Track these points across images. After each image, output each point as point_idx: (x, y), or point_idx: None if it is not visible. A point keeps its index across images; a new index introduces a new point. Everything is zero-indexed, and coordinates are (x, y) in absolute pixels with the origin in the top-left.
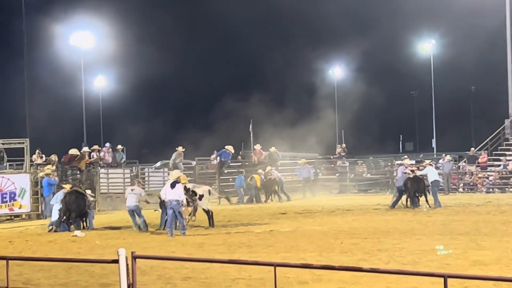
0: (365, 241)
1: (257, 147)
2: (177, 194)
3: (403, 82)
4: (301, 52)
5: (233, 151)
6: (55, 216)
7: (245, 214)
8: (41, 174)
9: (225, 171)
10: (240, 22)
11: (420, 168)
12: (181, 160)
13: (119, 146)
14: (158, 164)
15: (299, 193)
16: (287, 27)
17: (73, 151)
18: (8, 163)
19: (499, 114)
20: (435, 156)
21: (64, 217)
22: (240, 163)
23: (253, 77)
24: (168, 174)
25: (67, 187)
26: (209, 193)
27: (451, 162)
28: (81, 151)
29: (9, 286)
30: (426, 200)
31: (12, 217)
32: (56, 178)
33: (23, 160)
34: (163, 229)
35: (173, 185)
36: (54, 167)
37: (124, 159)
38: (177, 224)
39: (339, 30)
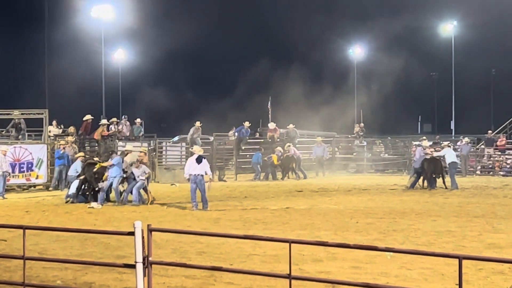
0: (381, 221)
1: (271, 125)
2: (203, 169)
3: (424, 63)
4: (322, 30)
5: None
6: (73, 189)
7: (261, 190)
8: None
9: (243, 148)
10: None
11: (437, 149)
12: (198, 135)
13: (138, 120)
14: (176, 138)
15: (314, 171)
16: (310, 3)
17: (87, 117)
18: (27, 134)
19: None
20: (453, 138)
21: (82, 188)
22: (258, 140)
23: (274, 54)
24: (185, 149)
25: (80, 154)
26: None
27: (469, 144)
28: (99, 124)
29: (25, 255)
30: (443, 182)
31: (30, 187)
32: (62, 149)
33: (42, 131)
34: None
35: (199, 160)
36: (73, 138)
37: (142, 133)
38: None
39: (360, 9)
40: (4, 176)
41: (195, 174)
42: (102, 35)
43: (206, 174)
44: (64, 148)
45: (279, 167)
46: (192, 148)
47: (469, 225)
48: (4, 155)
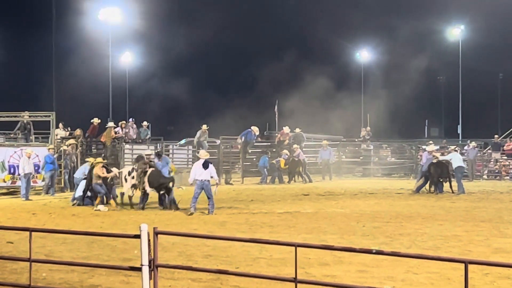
0: (387, 225)
1: (286, 129)
2: (210, 174)
3: (431, 67)
4: (329, 34)
5: (258, 133)
6: (79, 191)
7: (267, 194)
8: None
9: (249, 151)
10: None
11: (444, 154)
12: (205, 138)
13: (145, 123)
14: (183, 141)
15: (321, 175)
16: (316, 8)
17: (95, 120)
18: (34, 136)
19: None
20: (460, 142)
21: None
22: (265, 144)
23: (281, 58)
24: (192, 152)
25: (91, 160)
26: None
27: (476, 148)
28: (107, 126)
29: (32, 257)
30: (450, 186)
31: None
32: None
33: (49, 133)
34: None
35: (205, 165)
36: (74, 141)
37: (149, 136)
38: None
39: (367, 13)
40: (28, 178)
41: (201, 180)
42: (109, 38)
43: (212, 178)
44: (54, 152)
45: (285, 170)
46: (198, 153)
47: (475, 229)
48: (29, 157)
